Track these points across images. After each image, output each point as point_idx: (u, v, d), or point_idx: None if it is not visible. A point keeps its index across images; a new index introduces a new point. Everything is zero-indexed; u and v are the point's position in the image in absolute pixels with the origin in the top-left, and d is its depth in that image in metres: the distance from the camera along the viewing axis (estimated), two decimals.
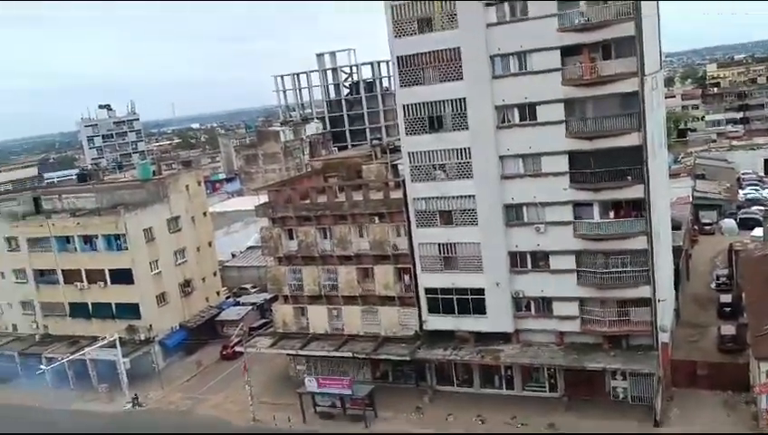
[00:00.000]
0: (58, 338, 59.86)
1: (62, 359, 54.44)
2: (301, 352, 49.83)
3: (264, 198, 52.49)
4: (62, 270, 59.19)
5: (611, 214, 40.49)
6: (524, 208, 42.16)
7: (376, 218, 46.71)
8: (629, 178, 39.17)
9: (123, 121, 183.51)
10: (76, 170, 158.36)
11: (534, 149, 40.94)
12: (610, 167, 39.46)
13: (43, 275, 60.58)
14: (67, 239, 58.63)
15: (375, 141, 75.91)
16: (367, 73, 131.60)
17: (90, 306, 58.76)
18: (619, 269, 40.55)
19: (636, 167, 38.98)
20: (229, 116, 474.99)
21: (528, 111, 40.84)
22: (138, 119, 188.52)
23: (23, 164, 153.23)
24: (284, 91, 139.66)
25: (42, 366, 53.70)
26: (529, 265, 42.97)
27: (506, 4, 39.97)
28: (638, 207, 39.82)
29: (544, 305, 43.32)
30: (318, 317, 50.14)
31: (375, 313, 48.23)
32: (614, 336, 41.82)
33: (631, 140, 38.71)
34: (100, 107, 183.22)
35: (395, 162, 50.36)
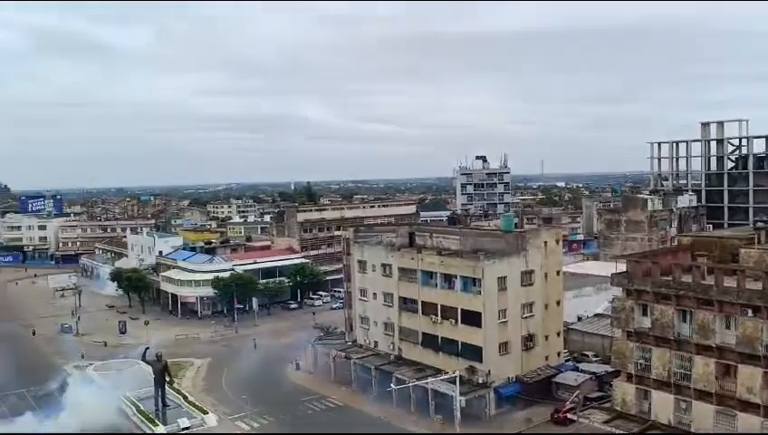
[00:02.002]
0: (408, 362, 65.61)
1: (409, 383, 59.57)
2: None
3: (621, 267, 50.51)
4: (422, 302, 64.91)
5: None
6: None
7: (749, 311, 41.25)
8: None
9: (495, 173, 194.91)
10: (447, 213, 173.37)
11: None
12: None
13: (406, 303, 67.15)
14: (430, 275, 64.22)
15: (759, 223, 67.39)
16: (759, 147, 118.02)
17: (439, 340, 63.28)
18: None
19: None
20: (596, 178, 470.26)
21: None
22: (508, 172, 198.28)
23: (405, 202, 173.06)
24: (659, 159, 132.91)
25: (391, 385, 59.39)
26: None
27: None
28: None
29: None
30: (663, 405, 46.01)
31: (732, 417, 42.38)
32: None
33: None
34: (477, 158, 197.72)
35: None
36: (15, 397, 67.33)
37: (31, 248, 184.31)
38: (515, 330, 61.09)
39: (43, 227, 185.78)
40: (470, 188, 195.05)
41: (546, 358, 63.73)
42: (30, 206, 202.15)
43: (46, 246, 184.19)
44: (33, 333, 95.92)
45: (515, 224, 72.75)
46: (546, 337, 63.73)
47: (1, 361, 71.06)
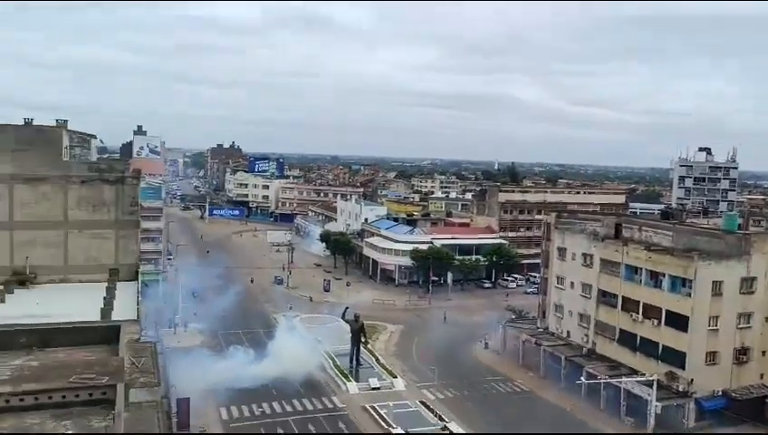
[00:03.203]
0: (601, 357, 62.97)
1: (601, 379, 57.23)
2: None
3: None
4: (623, 297, 61.71)
5: None
6: None
7: None
8: None
9: (719, 168, 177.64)
10: (660, 206, 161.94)
11: None
12: None
13: (605, 297, 64.30)
14: (635, 270, 60.74)
15: None
16: None
17: (638, 339, 59.84)
18: None
19: None
20: None
21: None
22: (736, 167, 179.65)
23: (613, 190, 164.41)
24: None
25: (581, 378, 57.54)
26: None
27: None
28: None
29: None
30: None
31: None
32: None
33: None
34: (700, 150, 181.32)
35: None
36: (232, 336, 75.57)
37: (254, 205, 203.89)
38: (727, 340, 55.94)
39: (266, 187, 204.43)
40: (689, 182, 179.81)
41: (761, 376, 57.62)
42: (257, 166, 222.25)
43: (267, 204, 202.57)
44: (252, 281, 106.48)
45: (739, 225, 66.11)
46: (764, 353, 57.59)
47: (226, 302, 79.86)
